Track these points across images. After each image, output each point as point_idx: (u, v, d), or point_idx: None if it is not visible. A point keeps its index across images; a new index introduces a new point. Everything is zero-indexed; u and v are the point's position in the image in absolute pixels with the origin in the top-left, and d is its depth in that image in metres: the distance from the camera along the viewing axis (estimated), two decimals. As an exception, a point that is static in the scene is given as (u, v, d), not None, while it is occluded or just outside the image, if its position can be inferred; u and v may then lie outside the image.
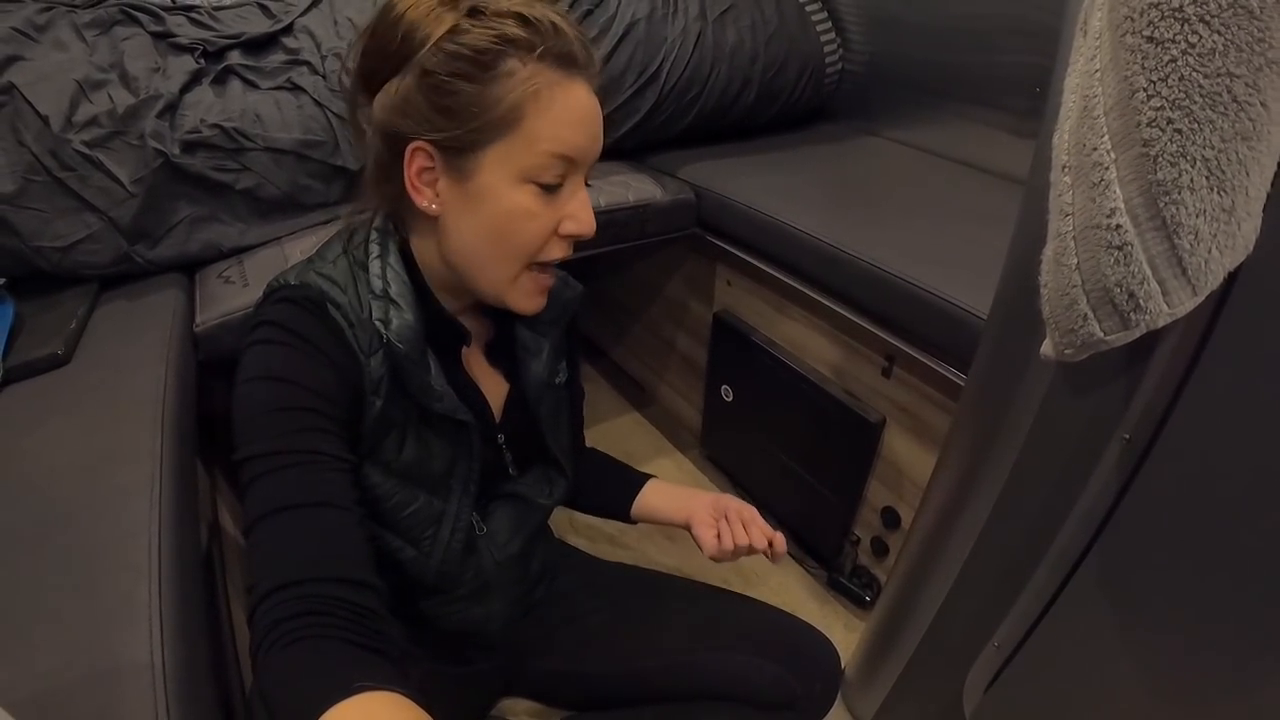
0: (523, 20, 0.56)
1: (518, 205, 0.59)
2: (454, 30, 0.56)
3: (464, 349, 0.71)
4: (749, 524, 0.81)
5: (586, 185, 0.64)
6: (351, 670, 0.44)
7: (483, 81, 0.56)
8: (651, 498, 0.89)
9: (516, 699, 0.94)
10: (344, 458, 0.57)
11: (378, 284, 0.62)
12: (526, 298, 0.65)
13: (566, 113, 0.58)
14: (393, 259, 0.63)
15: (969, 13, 1.34)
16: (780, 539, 0.80)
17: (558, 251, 0.63)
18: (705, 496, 0.85)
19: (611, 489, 0.92)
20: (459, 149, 0.58)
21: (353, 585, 0.50)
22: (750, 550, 0.79)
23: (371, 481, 0.65)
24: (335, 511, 0.54)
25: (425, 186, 0.60)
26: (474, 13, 0.56)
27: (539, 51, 0.56)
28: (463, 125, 0.57)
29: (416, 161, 0.59)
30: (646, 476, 0.91)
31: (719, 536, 0.80)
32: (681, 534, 0.85)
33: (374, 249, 0.64)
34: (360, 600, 0.50)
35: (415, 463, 0.67)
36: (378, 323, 0.61)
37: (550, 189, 0.60)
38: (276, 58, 1.07)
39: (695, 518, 0.83)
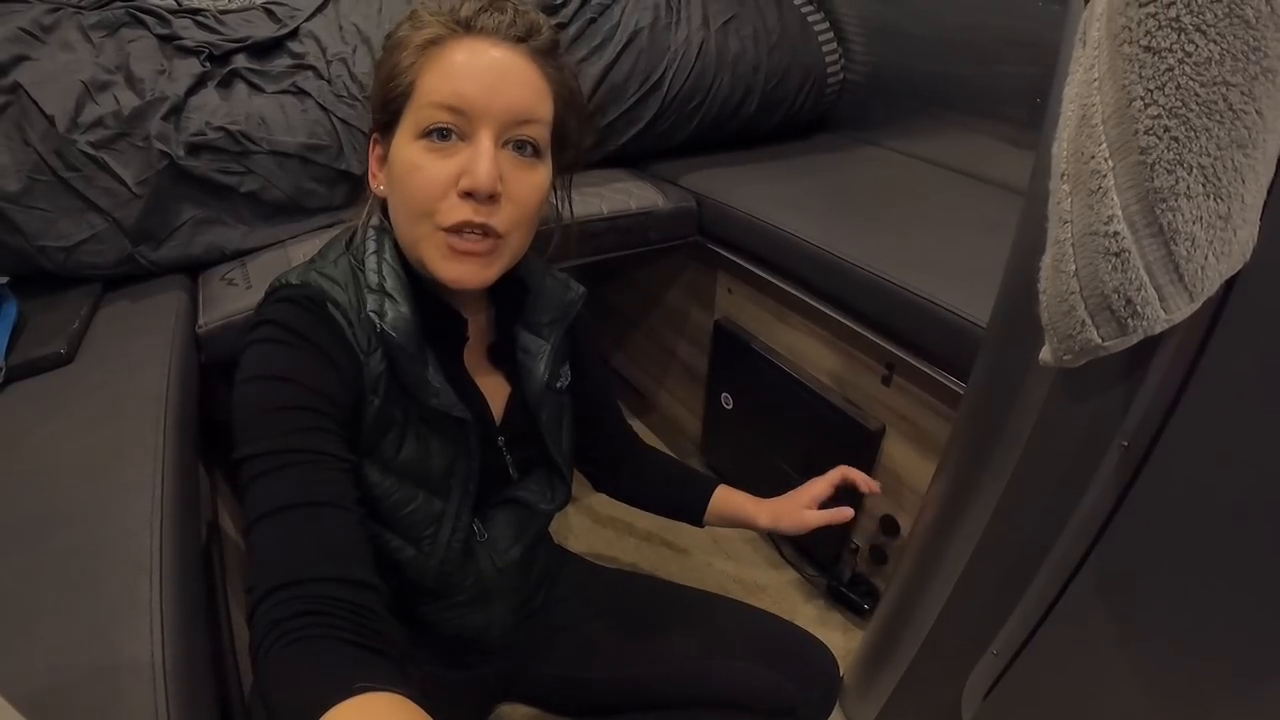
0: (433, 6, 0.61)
1: (406, 160, 0.60)
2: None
3: (465, 349, 0.71)
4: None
5: (514, 149, 0.61)
6: (351, 670, 0.43)
7: (391, 59, 0.61)
8: (723, 506, 0.93)
9: (515, 705, 0.94)
10: (344, 457, 0.57)
11: (373, 279, 0.63)
12: (442, 260, 0.61)
13: (452, 65, 0.59)
14: (388, 254, 0.64)
15: (969, 24, 1.36)
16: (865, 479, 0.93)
17: (456, 213, 0.59)
18: (773, 507, 0.90)
19: (682, 494, 0.95)
20: (386, 128, 0.63)
21: (353, 585, 0.50)
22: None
23: (371, 480, 0.65)
24: (335, 511, 0.53)
25: (380, 172, 0.65)
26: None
27: (437, 18, 0.60)
28: (383, 104, 0.62)
29: (374, 152, 0.66)
30: (714, 481, 0.94)
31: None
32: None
33: (370, 245, 0.65)
34: (360, 600, 0.49)
35: (414, 461, 0.67)
36: (372, 314, 0.61)
37: (442, 139, 0.59)
38: (282, 62, 1.07)
39: (784, 522, 0.89)
